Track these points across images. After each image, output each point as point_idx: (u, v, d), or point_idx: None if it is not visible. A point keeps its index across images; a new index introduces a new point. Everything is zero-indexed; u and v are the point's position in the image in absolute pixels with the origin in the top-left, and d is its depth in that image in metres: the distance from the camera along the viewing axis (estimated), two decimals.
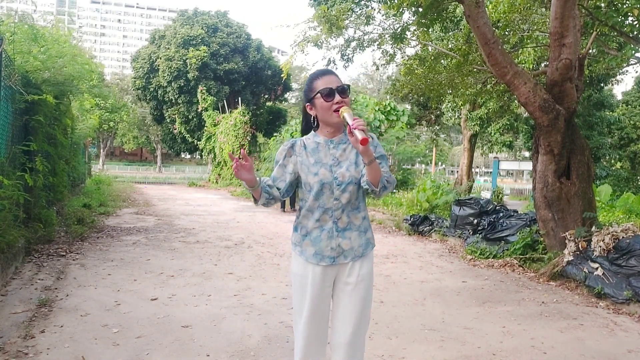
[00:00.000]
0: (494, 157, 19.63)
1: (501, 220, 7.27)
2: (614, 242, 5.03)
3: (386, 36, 8.08)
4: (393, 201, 13.06)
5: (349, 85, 1.98)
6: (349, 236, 1.97)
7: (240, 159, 1.83)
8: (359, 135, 1.69)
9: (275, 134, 24.56)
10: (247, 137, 23.54)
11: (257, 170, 20.19)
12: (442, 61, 8.44)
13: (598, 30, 6.45)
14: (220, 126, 24.73)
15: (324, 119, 1.97)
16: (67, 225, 7.50)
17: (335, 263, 1.96)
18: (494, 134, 18.33)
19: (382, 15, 8.81)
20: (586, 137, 14.45)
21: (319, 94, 1.93)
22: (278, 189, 2.00)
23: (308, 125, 2.09)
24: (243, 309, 4.03)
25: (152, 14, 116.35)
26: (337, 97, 1.90)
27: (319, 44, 8.06)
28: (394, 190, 14.89)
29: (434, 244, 8.11)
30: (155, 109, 30.42)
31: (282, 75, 13.19)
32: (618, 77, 13.58)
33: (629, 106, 24.61)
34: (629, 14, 5.97)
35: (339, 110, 1.88)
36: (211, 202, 15.02)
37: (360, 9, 9.25)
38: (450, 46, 8.37)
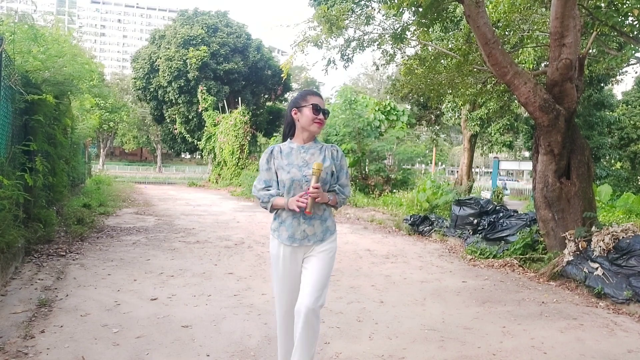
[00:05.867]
0: (494, 157, 19.62)
1: (501, 220, 7.27)
2: (614, 242, 5.03)
3: (386, 36, 8.07)
4: (393, 201, 13.06)
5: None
6: (313, 224, 2.46)
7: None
8: (305, 204, 2.32)
9: (275, 134, 24.59)
10: (247, 137, 23.55)
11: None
12: (442, 61, 8.42)
13: (598, 30, 6.44)
14: (220, 126, 24.73)
15: (305, 125, 2.46)
16: (67, 225, 7.48)
17: (301, 245, 2.46)
18: (494, 134, 18.32)
19: (382, 15, 8.81)
20: (586, 137, 14.46)
21: (311, 106, 2.43)
22: (270, 187, 2.51)
23: (290, 129, 2.53)
24: (243, 309, 4.03)
25: (152, 14, 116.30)
26: (321, 115, 2.46)
27: (319, 44, 8.05)
28: (394, 190, 14.94)
29: (434, 244, 8.11)
30: (156, 109, 30.42)
31: (282, 75, 13.21)
32: (618, 77, 13.53)
33: (629, 106, 24.62)
34: (629, 14, 5.97)
35: (320, 122, 2.45)
36: (211, 202, 15.01)
37: (360, 9, 9.23)
38: (450, 46, 8.36)
